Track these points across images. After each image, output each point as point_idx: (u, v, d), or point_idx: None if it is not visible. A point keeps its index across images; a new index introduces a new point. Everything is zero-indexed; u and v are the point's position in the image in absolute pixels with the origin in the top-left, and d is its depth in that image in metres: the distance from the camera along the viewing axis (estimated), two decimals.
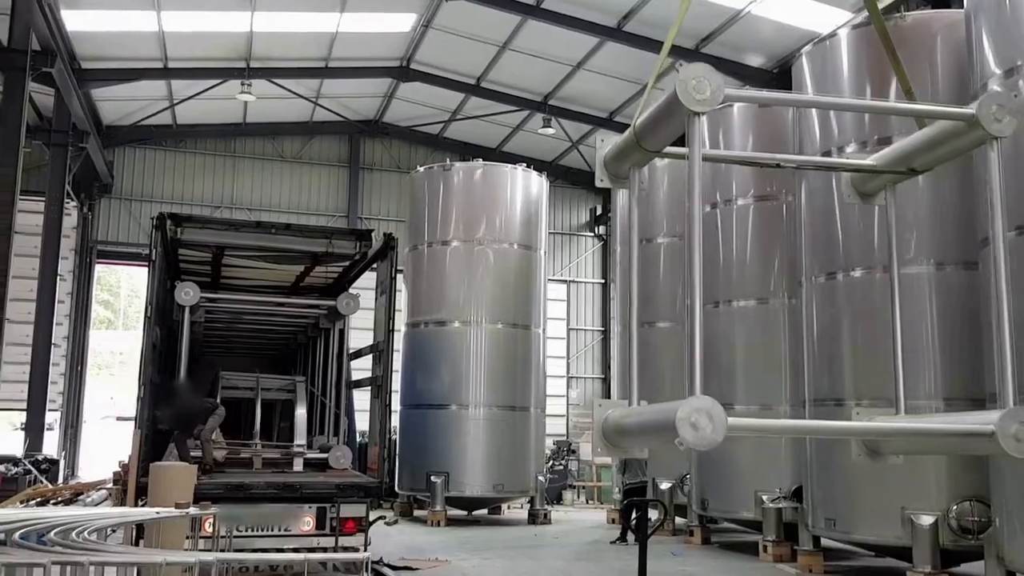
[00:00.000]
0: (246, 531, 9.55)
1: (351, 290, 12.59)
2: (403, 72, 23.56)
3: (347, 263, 12.27)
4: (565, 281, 28.94)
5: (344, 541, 9.78)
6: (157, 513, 6.20)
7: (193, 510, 6.39)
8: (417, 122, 26.98)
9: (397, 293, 11.32)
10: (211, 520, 8.23)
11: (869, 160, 6.62)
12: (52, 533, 5.01)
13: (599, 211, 29.58)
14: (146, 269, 11.07)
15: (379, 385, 11.13)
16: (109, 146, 25.35)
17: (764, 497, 12.65)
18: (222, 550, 7.65)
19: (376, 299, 12.08)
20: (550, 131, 24.95)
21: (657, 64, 6.40)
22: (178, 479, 7.28)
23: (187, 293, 11.34)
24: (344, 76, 23.57)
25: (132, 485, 8.89)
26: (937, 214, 10.84)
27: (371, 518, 10.06)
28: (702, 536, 14.18)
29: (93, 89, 22.28)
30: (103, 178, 25.20)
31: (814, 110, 11.99)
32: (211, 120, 26.11)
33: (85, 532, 5.08)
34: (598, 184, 6.55)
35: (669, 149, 6.13)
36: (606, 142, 6.27)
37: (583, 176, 27.49)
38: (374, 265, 12.25)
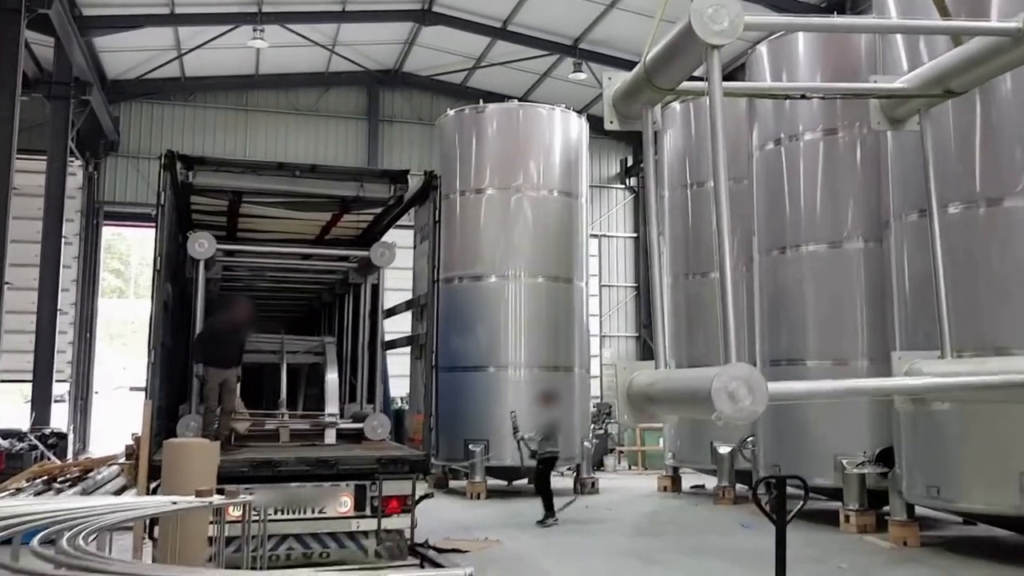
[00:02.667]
0: (275, 513, 8.33)
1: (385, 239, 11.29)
2: (425, 15, 22.12)
3: (379, 209, 10.97)
4: (596, 235, 27.59)
5: (387, 523, 8.57)
6: (174, 504, 4.97)
7: (218, 499, 5.16)
8: (439, 71, 25.52)
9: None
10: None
11: (899, 83, 5.76)
12: (36, 541, 3.79)
13: (630, 162, 28.19)
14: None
15: (422, 344, 9.87)
16: (115, 101, 24.06)
17: (844, 462, 11.39)
18: (253, 537, 6.43)
19: (415, 247, 10.79)
20: (581, 76, 23.47)
21: None
22: (198, 458, 6.06)
23: (201, 245, 10.09)
24: (363, 20, 22.15)
25: (144, 466, 7.67)
26: None
27: (416, 496, 8.85)
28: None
29: (95, 38, 20.94)
30: (109, 135, 23.93)
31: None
32: (221, 72, 24.76)
33: (80, 538, 3.83)
34: (607, 127, 5.83)
35: (685, 85, 5.41)
36: (614, 80, 5.61)
37: None
38: (408, 213, 11.01)
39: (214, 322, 10.18)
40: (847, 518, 11.29)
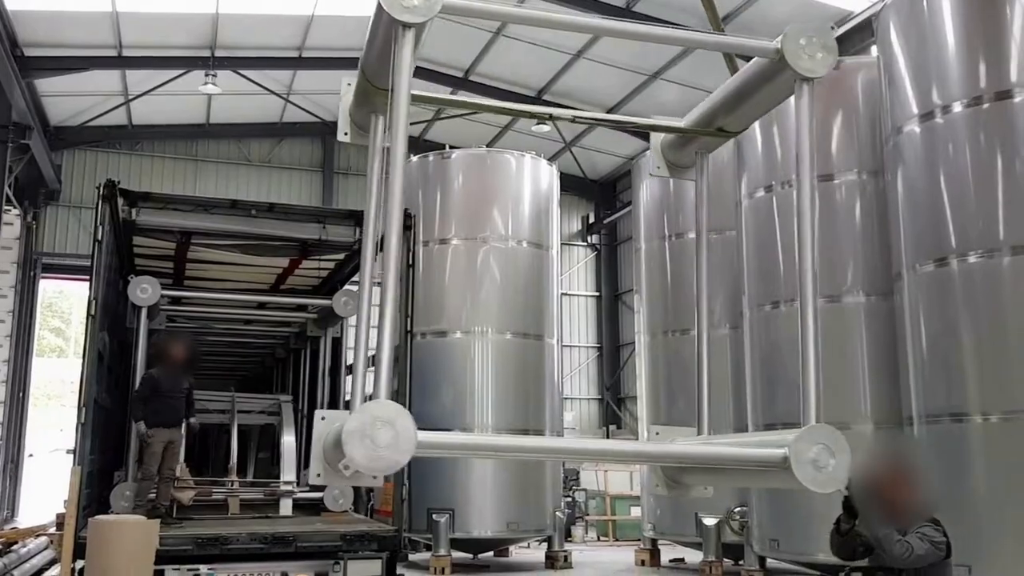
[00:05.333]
0: None
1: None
2: None
3: (342, 255, 10.00)
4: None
5: None
6: None
7: None
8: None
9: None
10: None
11: (677, 121, 5.05)
12: None
13: (592, 219, 27.56)
14: None
15: None
16: (57, 148, 22.85)
17: None
18: None
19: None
20: (545, 128, 22.85)
21: None
22: (131, 541, 4.93)
23: (143, 290, 9.03)
24: (319, 67, 21.27)
25: (68, 544, 6.48)
26: None
27: None
28: None
29: (37, 80, 19.83)
30: (50, 184, 22.65)
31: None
32: (171, 120, 23.72)
33: None
34: (340, 138, 5.04)
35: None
36: (352, 86, 4.87)
37: (575, 181, 25.38)
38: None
39: (156, 373, 9.02)
40: None
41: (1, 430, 21.81)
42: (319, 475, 3.98)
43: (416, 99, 4.43)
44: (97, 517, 6.37)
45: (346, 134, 4.74)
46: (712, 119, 4.73)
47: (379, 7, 3.62)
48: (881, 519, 4.90)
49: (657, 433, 4.88)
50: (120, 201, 8.51)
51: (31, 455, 24.48)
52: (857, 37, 16.52)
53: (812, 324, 3.99)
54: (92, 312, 7.71)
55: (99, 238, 7.74)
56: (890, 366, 10.39)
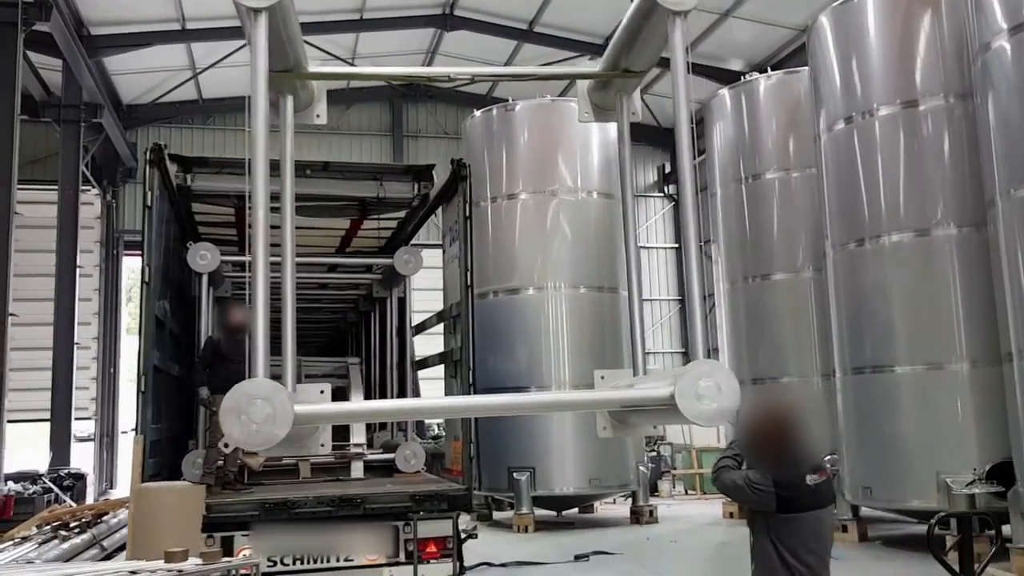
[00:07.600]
0: (293, 563, 7.07)
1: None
2: (446, 20, 21.03)
3: (403, 213, 9.74)
4: None
5: (425, 571, 7.23)
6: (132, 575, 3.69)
7: (192, 565, 3.85)
8: (462, 81, 24.38)
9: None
10: (245, 553, 5.83)
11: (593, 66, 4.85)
12: None
13: (668, 169, 26.85)
14: None
15: (456, 361, 8.56)
16: (131, 127, 23.24)
17: (949, 481, 9.88)
18: None
19: (444, 251, 9.52)
20: None
21: None
22: (172, 508, 4.76)
23: (203, 257, 8.89)
24: (382, 28, 21.05)
25: (132, 514, 6.40)
26: None
27: (460, 536, 7.52)
28: (859, 531, 11.45)
29: (106, 59, 20.02)
30: (126, 162, 23.03)
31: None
32: (239, 92, 23.62)
33: None
34: None
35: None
36: None
37: (649, 131, 24.63)
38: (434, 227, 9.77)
39: (217, 339, 8.91)
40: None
41: (95, 406, 22.39)
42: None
43: (300, 76, 4.20)
44: (142, 485, 6.26)
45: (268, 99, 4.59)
46: (617, 61, 4.50)
47: None
48: (763, 465, 4.66)
49: (603, 377, 4.61)
50: (175, 167, 8.35)
51: (129, 430, 25.08)
52: None
53: (695, 261, 3.69)
54: (146, 279, 7.60)
55: (148, 204, 7.59)
56: (986, 301, 9.73)
